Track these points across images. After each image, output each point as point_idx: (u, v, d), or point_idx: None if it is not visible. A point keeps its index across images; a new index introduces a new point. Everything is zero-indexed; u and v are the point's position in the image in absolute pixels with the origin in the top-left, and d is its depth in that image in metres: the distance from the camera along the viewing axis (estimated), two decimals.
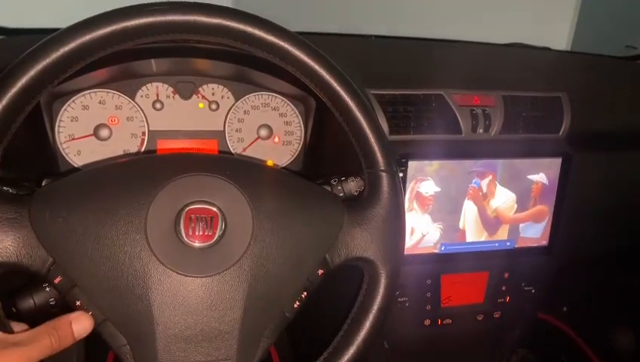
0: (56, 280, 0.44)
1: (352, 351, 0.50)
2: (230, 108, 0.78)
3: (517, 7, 1.69)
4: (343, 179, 0.56)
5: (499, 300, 0.88)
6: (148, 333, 0.44)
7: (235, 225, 0.46)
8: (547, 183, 0.82)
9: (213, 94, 0.78)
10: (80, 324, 0.45)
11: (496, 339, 0.98)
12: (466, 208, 0.80)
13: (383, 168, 0.51)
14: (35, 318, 0.45)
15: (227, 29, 0.44)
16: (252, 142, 0.80)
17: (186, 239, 0.44)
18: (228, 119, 0.78)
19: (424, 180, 0.76)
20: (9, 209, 0.42)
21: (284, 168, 0.81)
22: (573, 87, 0.84)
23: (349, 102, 0.49)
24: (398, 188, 0.52)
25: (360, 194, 0.55)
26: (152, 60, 0.71)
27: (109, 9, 0.43)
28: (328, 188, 0.55)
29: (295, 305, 0.50)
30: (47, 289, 0.46)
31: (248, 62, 0.72)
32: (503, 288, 0.88)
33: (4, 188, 0.46)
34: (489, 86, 0.79)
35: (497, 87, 0.79)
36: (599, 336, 1.16)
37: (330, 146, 0.77)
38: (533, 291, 0.89)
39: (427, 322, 0.86)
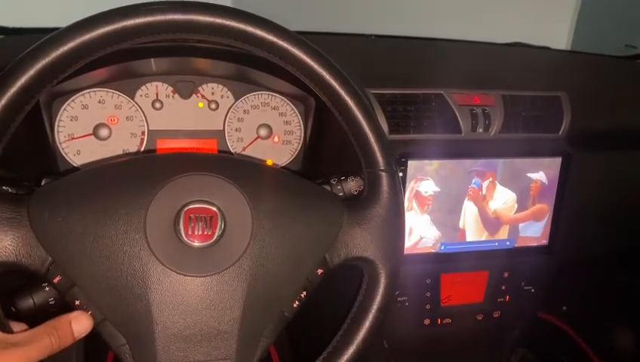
0: (56, 280, 0.44)
1: (351, 350, 0.49)
2: (230, 108, 0.78)
3: (517, 7, 1.69)
4: (342, 178, 0.56)
5: (499, 300, 0.88)
6: (147, 333, 0.44)
7: (234, 225, 0.46)
8: (547, 183, 0.82)
9: (212, 94, 0.78)
10: (79, 324, 0.44)
11: (496, 339, 0.98)
12: (466, 208, 0.80)
13: (382, 168, 0.51)
14: (35, 318, 0.45)
15: (227, 29, 0.44)
16: (252, 142, 0.80)
17: (185, 239, 0.44)
18: (227, 119, 0.78)
19: (424, 180, 0.76)
20: (8, 208, 0.42)
21: (283, 168, 0.81)
22: (573, 87, 0.84)
23: (349, 101, 0.49)
24: (397, 188, 0.52)
25: (360, 193, 0.55)
26: (152, 60, 0.71)
27: (108, 9, 0.43)
28: (328, 188, 0.55)
29: (294, 305, 0.49)
30: (47, 288, 0.46)
31: (248, 61, 0.72)
32: (503, 287, 0.88)
33: (4, 187, 0.46)
34: (489, 85, 0.79)
35: (497, 87, 0.79)
36: (599, 336, 1.16)
37: (330, 146, 0.77)
38: (533, 291, 0.89)
39: (427, 321, 0.85)
